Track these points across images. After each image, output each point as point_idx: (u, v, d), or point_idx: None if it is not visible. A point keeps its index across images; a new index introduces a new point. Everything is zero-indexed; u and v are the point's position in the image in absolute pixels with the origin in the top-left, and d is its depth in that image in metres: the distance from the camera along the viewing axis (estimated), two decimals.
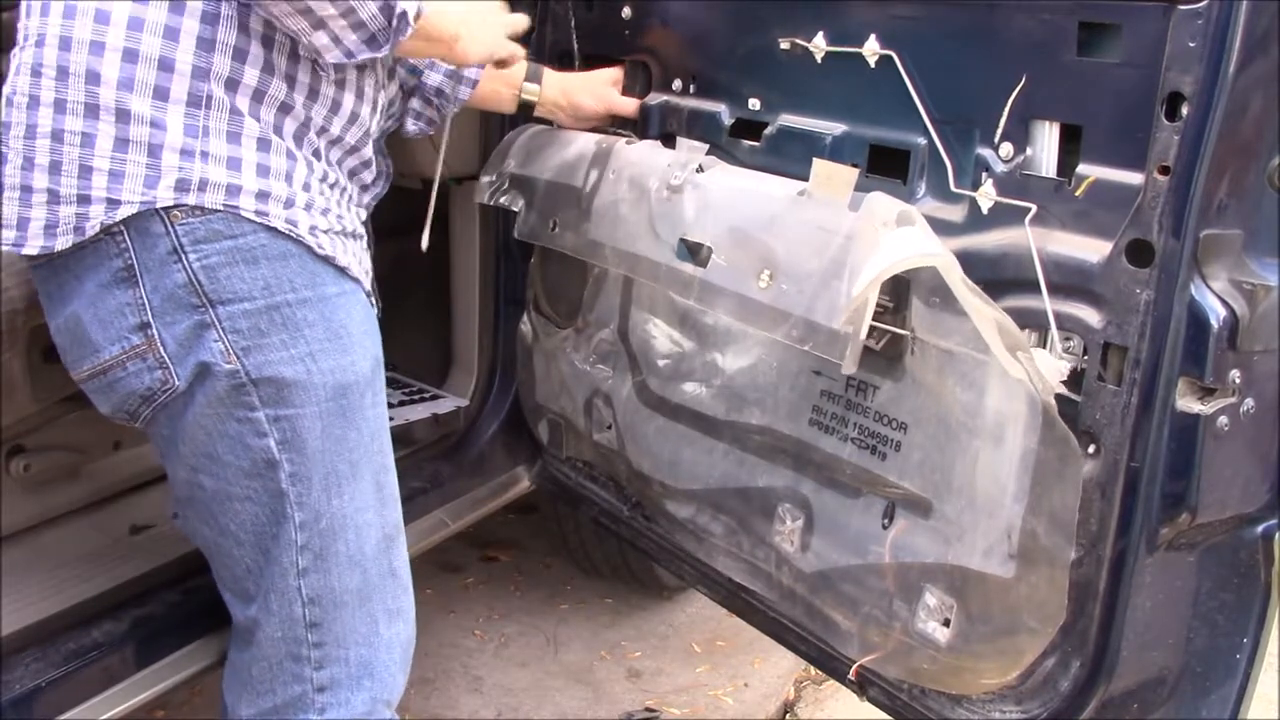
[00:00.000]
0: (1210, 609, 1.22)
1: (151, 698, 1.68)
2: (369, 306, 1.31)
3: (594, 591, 2.77)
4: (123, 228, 1.16)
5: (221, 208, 1.17)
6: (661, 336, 1.65)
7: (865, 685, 1.42)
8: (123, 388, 1.22)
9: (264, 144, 1.21)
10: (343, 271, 1.26)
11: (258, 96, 1.20)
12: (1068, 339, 1.19)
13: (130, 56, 1.15)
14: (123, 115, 1.15)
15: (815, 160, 1.33)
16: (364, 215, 1.39)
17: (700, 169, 1.50)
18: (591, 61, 1.81)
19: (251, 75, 1.19)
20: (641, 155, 1.60)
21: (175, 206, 1.15)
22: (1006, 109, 1.22)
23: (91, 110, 1.15)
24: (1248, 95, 1.06)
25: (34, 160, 1.16)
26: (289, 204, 1.21)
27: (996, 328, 1.17)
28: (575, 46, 1.84)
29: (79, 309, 1.20)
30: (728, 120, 1.59)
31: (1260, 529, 1.20)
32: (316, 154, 1.27)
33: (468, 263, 2.14)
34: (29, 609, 1.63)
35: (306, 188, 1.24)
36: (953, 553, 1.27)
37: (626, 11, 1.73)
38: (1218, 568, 1.21)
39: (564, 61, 1.84)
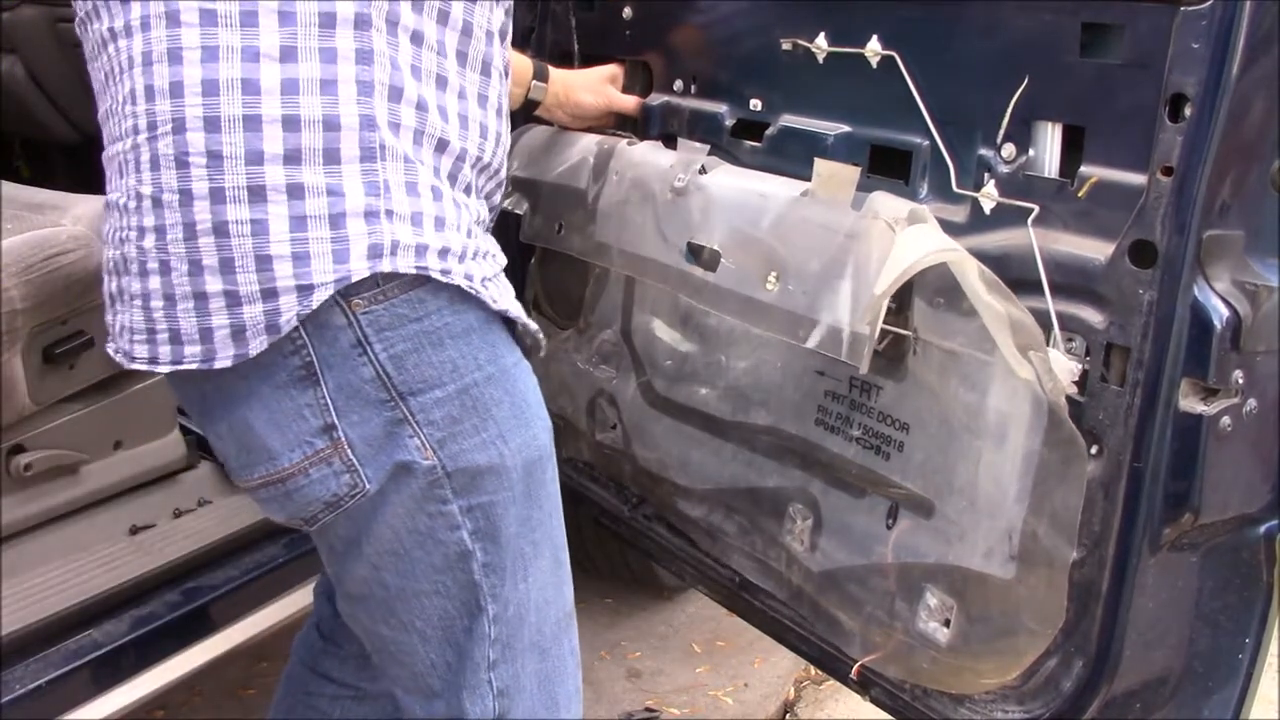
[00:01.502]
0: (1212, 610, 1.22)
1: (151, 697, 1.69)
2: (533, 373, 1.23)
3: (594, 591, 2.77)
4: (300, 323, 1.03)
5: (414, 271, 1.05)
6: (665, 337, 1.65)
7: (867, 685, 1.42)
8: (303, 496, 1.11)
9: (436, 192, 1.10)
10: (512, 334, 1.17)
11: (418, 138, 1.08)
12: (1070, 340, 1.19)
13: (291, 124, 1.01)
14: (294, 191, 1.01)
15: (817, 160, 1.33)
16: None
17: (703, 170, 1.51)
18: (591, 62, 1.80)
19: (409, 115, 1.07)
20: (644, 156, 1.60)
21: (356, 296, 1.04)
22: (1009, 110, 1.22)
23: (257, 193, 1.00)
24: (1251, 96, 1.06)
25: (201, 262, 1.02)
26: (463, 257, 1.11)
27: (1010, 326, 1.16)
28: (575, 47, 1.83)
29: (249, 414, 1.08)
30: (729, 121, 1.59)
31: (1262, 529, 1.20)
32: (468, 190, 1.17)
33: None
34: (29, 609, 1.63)
35: (470, 234, 1.14)
36: (954, 553, 1.27)
37: (627, 12, 1.73)
38: (1220, 568, 1.21)
39: (564, 62, 1.84)
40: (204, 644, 1.76)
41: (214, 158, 1.00)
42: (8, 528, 1.71)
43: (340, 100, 1.03)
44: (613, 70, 1.76)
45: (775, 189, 1.41)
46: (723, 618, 2.64)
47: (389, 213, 1.05)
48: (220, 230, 1.01)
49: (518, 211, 1.78)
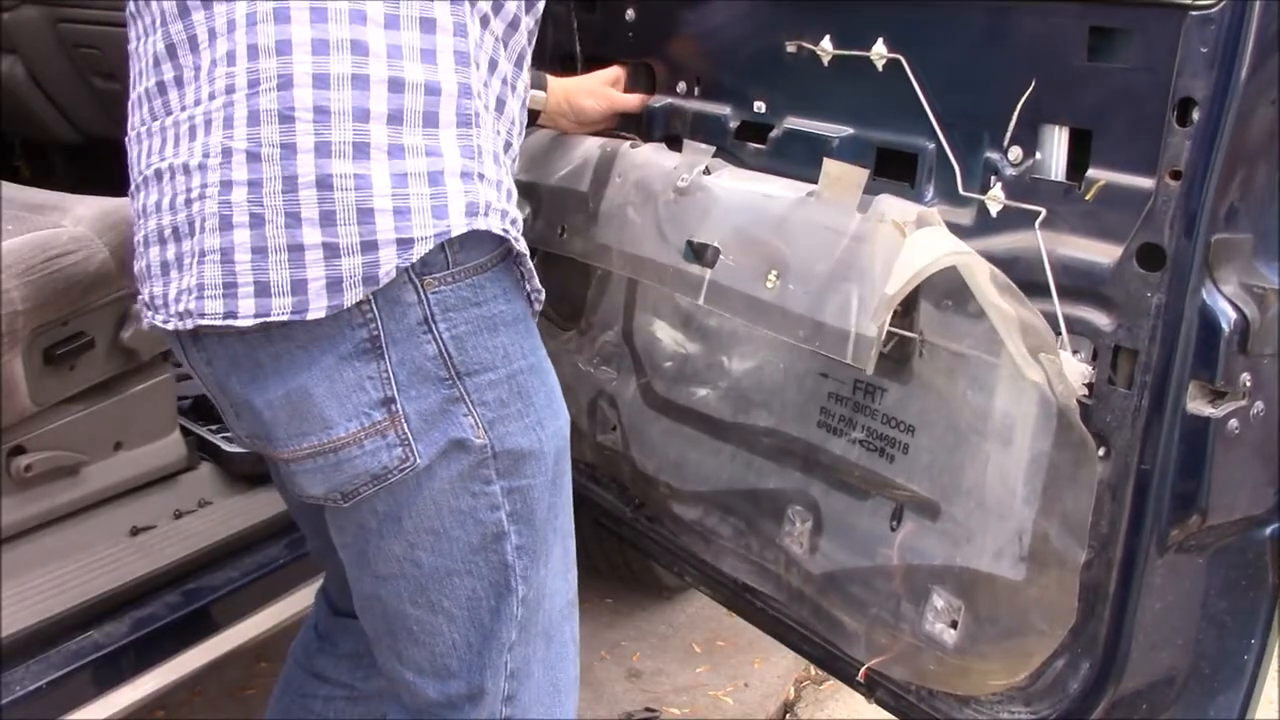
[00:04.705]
0: (1218, 611, 1.22)
1: (151, 698, 1.69)
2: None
3: (594, 591, 2.77)
4: (370, 296, 1.07)
5: (500, 232, 1.11)
6: (666, 339, 1.65)
7: (872, 687, 1.42)
8: (353, 467, 1.13)
9: (505, 165, 1.17)
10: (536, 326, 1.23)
11: (487, 112, 1.15)
12: (1076, 351, 1.19)
13: (396, 86, 1.06)
14: (395, 150, 1.06)
15: (826, 160, 1.33)
16: None
17: (707, 171, 1.50)
18: (594, 64, 1.80)
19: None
20: (647, 158, 1.60)
21: (430, 274, 1.08)
22: (1016, 113, 1.22)
23: (361, 150, 1.05)
24: (1259, 100, 1.07)
25: (300, 215, 1.04)
26: (521, 231, 1.17)
27: (1020, 329, 1.17)
28: (578, 49, 1.83)
29: (308, 382, 1.10)
30: (733, 123, 1.59)
31: (1269, 531, 1.20)
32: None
33: None
34: (29, 609, 1.63)
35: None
36: (961, 555, 1.27)
37: (630, 13, 1.73)
38: (1226, 570, 1.21)
39: (566, 64, 1.84)
40: (204, 645, 1.77)
41: (321, 113, 1.04)
42: (8, 529, 1.71)
43: (440, 68, 1.09)
44: (613, 72, 1.75)
45: (779, 190, 1.41)
46: (723, 618, 2.64)
47: (481, 176, 1.11)
48: (323, 183, 1.04)
49: (521, 214, 1.77)
